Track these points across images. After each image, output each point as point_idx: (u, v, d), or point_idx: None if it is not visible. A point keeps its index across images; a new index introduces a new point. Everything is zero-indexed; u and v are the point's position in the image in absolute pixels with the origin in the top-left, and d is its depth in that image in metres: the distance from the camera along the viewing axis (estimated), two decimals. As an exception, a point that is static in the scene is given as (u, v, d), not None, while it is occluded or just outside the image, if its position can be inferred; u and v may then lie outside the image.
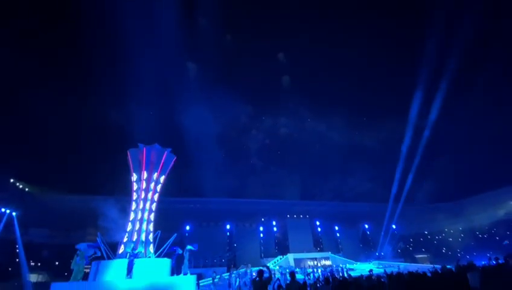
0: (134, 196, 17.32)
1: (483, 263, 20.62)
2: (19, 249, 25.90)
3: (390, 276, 11.98)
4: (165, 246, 16.95)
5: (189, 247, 16.40)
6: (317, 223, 41.62)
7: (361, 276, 14.81)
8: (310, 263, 32.78)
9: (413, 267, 26.25)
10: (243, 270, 25.11)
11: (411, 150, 44.42)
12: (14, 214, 25.11)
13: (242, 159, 58.06)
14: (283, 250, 37.14)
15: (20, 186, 34.43)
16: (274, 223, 40.13)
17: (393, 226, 45.02)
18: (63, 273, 28.33)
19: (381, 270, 25.59)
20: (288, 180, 52.82)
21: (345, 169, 53.44)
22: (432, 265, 26.97)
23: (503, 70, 42.50)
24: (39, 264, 31.89)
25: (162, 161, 17.94)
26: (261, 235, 38.40)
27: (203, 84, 51.30)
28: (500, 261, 11.23)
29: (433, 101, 43.88)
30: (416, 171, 41.93)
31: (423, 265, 30.31)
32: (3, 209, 24.10)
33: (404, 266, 27.73)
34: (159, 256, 16.36)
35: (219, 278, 23.18)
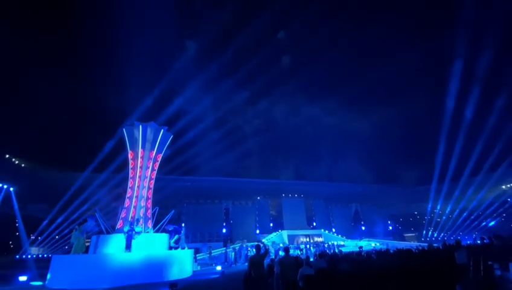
0: (132, 173, 17.42)
1: (468, 242, 21.65)
2: (19, 223, 26.37)
3: (378, 252, 12.59)
4: (163, 221, 17.40)
5: (174, 238, 16.39)
6: (311, 202, 42.72)
7: (352, 252, 15.50)
8: (303, 239, 34.08)
9: (401, 245, 27.46)
10: (238, 245, 26.07)
11: (404, 133, 44.95)
12: (11, 189, 25.28)
13: (240, 140, 58.22)
14: (278, 227, 38.37)
15: (16, 162, 34.31)
16: (270, 201, 41.09)
17: (385, 206, 46.61)
18: (63, 247, 29.20)
19: (371, 247, 26.78)
20: (284, 162, 53.54)
21: (339, 151, 54.28)
22: (418, 243, 28.26)
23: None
24: (39, 238, 32.65)
25: (159, 139, 17.90)
26: (257, 212, 39.42)
27: (200, 64, 50.18)
28: (485, 241, 11.79)
29: (429, 85, 43.76)
30: (409, 153, 42.60)
31: (411, 243, 31.72)
32: (0, 185, 24.21)
33: (393, 244, 28.97)
34: (157, 231, 16.83)
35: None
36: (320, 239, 34.61)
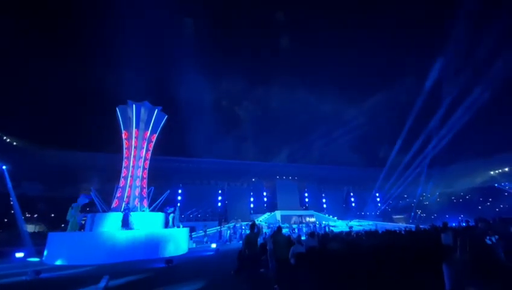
0: (126, 153, 17.33)
1: (454, 224, 22.58)
2: (13, 201, 26.32)
3: (367, 232, 13.05)
4: (158, 201, 17.61)
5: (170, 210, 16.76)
6: (304, 184, 43.54)
7: (342, 232, 16.06)
8: (296, 219, 35.04)
9: (389, 226, 28.51)
10: (233, 224, 26.79)
11: (398, 118, 45.38)
12: (4, 167, 25.01)
13: (237, 123, 58.38)
14: (271, 208, 39.26)
15: (8, 140, 33.75)
16: (264, 183, 41.75)
17: (376, 190, 47.81)
18: (59, 224, 29.53)
19: (361, 228, 27.74)
20: (279, 145, 53.98)
21: (332, 136, 55.00)
22: (406, 225, 29.38)
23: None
24: (35, 215, 32.88)
25: (153, 119, 17.66)
26: (252, 193, 40.13)
27: (196, 45, 49.00)
28: (470, 224, 12.32)
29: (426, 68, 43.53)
30: (401, 139, 43.12)
31: (399, 224, 32.94)
32: (-8, 163, 23.90)
33: (382, 225, 30.03)
34: (153, 210, 17.06)
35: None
36: (312, 219, 35.64)
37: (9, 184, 23.96)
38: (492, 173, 42.91)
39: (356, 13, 55.13)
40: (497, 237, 3.00)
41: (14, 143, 34.36)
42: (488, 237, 3.00)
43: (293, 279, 6.32)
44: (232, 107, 59.28)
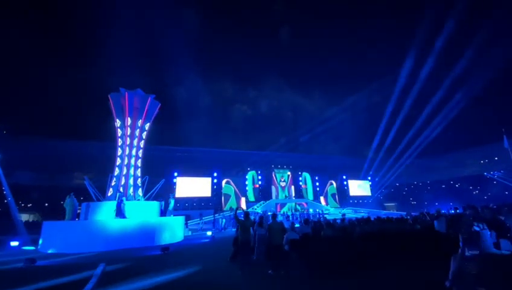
0: (119, 142, 17.15)
1: (443, 211, 23.25)
2: (5, 190, 26.00)
3: (359, 220, 13.34)
4: (153, 190, 17.63)
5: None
6: (299, 173, 43.94)
7: (335, 219, 16.40)
8: (290, 207, 35.56)
9: (381, 213, 29.19)
10: (228, 213, 27.11)
11: (391, 108, 45.87)
12: (-5, 156, 24.53)
13: (233, 113, 58.23)
14: (266, 196, 39.69)
15: (-3, 128, 32.95)
16: (259, 172, 41.97)
17: (369, 178, 48.66)
18: (54, 214, 29.36)
19: (353, 215, 28.36)
20: (274, 135, 54.20)
21: (329, 126, 55.43)
22: (397, 212, 30.18)
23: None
24: (29, 205, 32.66)
25: (146, 107, 17.40)
26: (247, 182, 40.38)
27: (192, 35, 48.15)
28: (458, 211, 12.70)
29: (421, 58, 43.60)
30: (395, 129, 43.67)
31: (390, 212, 33.79)
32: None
33: (373, 212, 30.74)
34: (148, 199, 17.09)
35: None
36: (306, 207, 36.24)
37: (1, 172, 23.58)
38: (482, 162, 43.88)
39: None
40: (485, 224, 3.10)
41: (5, 132, 33.58)
42: (476, 224, 3.11)
43: (287, 264, 6.48)
44: (228, 98, 58.93)
